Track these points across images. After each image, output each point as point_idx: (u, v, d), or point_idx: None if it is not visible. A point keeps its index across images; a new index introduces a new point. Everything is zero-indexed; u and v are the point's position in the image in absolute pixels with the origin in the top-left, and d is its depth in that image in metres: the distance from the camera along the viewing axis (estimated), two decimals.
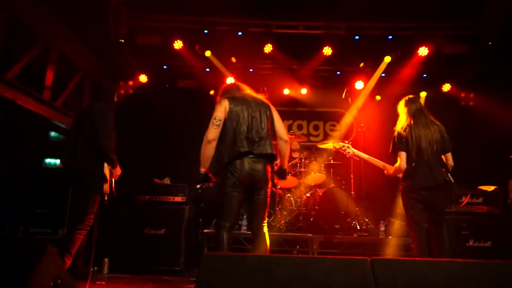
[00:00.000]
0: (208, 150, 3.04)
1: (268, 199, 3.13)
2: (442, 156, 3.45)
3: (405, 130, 3.43)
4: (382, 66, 6.40)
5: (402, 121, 3.52)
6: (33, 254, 1.91)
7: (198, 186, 3.17)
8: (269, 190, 3.12)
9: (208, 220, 5.32)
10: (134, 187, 4.94)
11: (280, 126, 3.24)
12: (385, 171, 3.70)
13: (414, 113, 3.48)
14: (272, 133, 3.19)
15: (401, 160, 3.40)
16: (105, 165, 3.49)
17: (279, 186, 5.46)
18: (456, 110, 6.73)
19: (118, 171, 3.64)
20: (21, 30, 4.56)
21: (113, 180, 3.63)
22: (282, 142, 3.24)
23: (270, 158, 3.12)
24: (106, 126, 3.41)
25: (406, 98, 3.63)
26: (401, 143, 3.42)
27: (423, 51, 5.99)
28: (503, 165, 5.56)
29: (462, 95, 6.91)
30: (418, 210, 3.38)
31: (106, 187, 3.51)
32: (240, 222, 5.03)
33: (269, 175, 3.12)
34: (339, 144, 4.10)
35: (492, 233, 4.50)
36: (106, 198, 3.56)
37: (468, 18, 5.80)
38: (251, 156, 3.00)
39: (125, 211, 4.77)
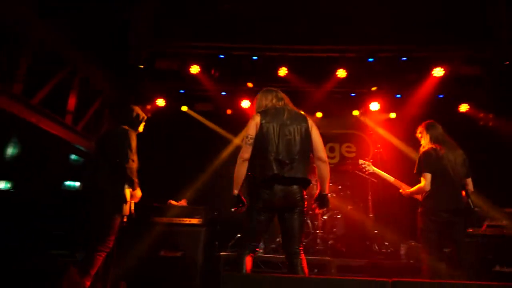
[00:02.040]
0: (241, 170, 2.86)
1: (303, 221, 2.89)
2: (465, 181, 3.45)
3: (432, 150, 3.44)
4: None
5: (427, 143, 3.54)
6: (55, 275, 1.96)
7: (232, 209, 2.95)
8: (303, 211, 2.87)
9: (224, 243, 5.32)
10: (151, 209, 4.99)
11: (319, 145, 2.94)
12: (401, 191, 3.69)
13: (438, 137, 3.52)
14: (308, 153, 2.92)
15: (426, 180, 3.41)
16: (126, 186, 3.57)
17: None
18: (474, 131, 6.64)
19: (138, 193, 3.70)
20: (47, 56, 4.78)
21: (132, 202, 3.69)
22: (321, 163, 2.92)
23: (302, 183, 2.86)
24: (128, 148, 3.50)
25: (426, 122, 3.67)
26: (427, 164, 3.43)
27: (438, 72, 6.01)
28: None
29: (481, 115, 6.83)
30: (436, 235, 3.36)
31: (126, 208, 3.57)
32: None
33: (303, 198, 2.87)
34: (360, 161, 4.11)
35: None
36: (125, 219, 3.61)
37: (484, 40, 5.82)
38: (282, 180, 2.78)
39: (142, 233, 4.81)
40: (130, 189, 3.61)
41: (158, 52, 6.27)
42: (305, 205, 2.91)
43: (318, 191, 3.00)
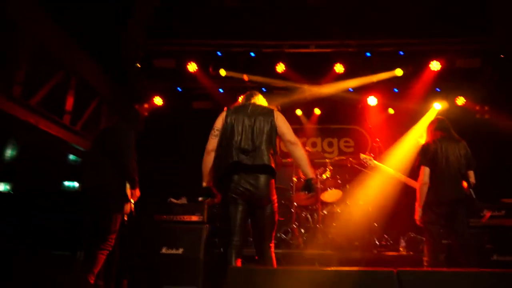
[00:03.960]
0: (207, 161, 2.97)
1: (275, 217, 2.88)
2: (467, 173, 3.49)
3: (433, 144, 3.49)
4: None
5: (429, 136, 3.59)
6: (60, 273, 1.97)
7: (200, 199, 3.10)
8: (274, 206, 2.88)
9: (224, 240, 5.32)
10: (151, 206, 4.99)
11: (285, 129, 2.96)
12: (413, 185, 3.75)
13: (442, 129, 3.57)
14: (272, 143, 2.92)
15: (424, 174, 3.46)
16: (127, 185, 3.57)
17: (295, 204, 5.46)
18: (471, 124, 6.68)
19: (137, 192, 3.70)
20: (44, 57, 4.77)
21: (132, 200, 3.69)
22: (291, 146, 2.94)
23: (267, 171, 2.85)
24: (129, 147, 3.51)
25: (435, 118, 3.74)
26: (425, 157, 3.48)
27: (435, 65, 6.04)
28: None
29: (477, 108, 6.88)
30: (438, 227, 3.41)
31: (127, 207, 3.58)
32: None
33: (271, 190, 2.87)
34: (361, 156, 4.15)
35: None
36: (126, 218, 3.62)
37: (480, 33, 5.85)
38: (245, 168, 2.82)
39: (143, 231, 4.83)
40: (130, 188, 3.61)
41: (155, 51, 6.27)
42: (274, 199, 2.89)
43: (303, 177, 3.03)
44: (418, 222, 3.55)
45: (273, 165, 2.88)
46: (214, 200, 3.05)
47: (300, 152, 2.95)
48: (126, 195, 3.53)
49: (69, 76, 5.35)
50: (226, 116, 3.02)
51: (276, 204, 2.93)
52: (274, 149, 2.93)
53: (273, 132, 2.94)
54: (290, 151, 2.99)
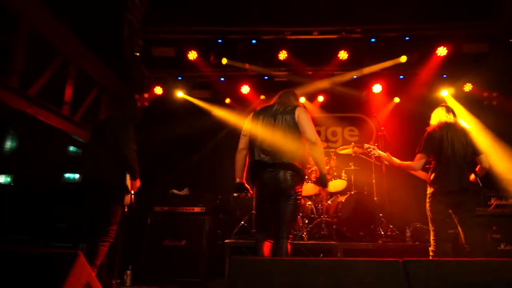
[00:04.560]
0: (238, 159, 3.27)
1: (293, 210, 3.01)
2: (478, 158, 3.47)
3: (439, 130, 3.47)
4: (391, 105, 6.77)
5: (435, 123, 3.58)
6: (66, 262, 1.98)
7: (234, 194, 3.35)
8: (295, 200, 3.01)
9: (228, 231, 5.36)
10: (153, 198, 5.02)
11: (306, 128, 3.07)
12: (392, 160, 3.78)
13: (448, 116, 3.55)
14: (296, 139, 3.07)
15: (418, 161, 3.49)
16: (127, 176, 3.58)
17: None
18: (479, 110, 6.63)
19: (137, 183, 3.71)
20: (41, 47, 4.74)
21: (132, 191, 3.70)
22: (310, 145, 3.06)
23: (289, 167, 3.00)
24: (129, 137, 3.50)
25: (441, 105, 3.72)
26: (427, 144, 3.47)
27: (441, 51, 5.97)
28: None
29: (485, 94, 6.81)
30: (443, 216, 3.42)
31: (127, 198, 3.59)
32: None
33: (292, 184, 3.00)
34: (365, 146, 4.13)
35: None
36: (126, 209, 3.64)
37: (488, 16, 5.76)
38: (266, 166, 3.03)
39: (145, 223, 4.85)
40: (130, 179, 3.61)
41: (154, 39, 6.22)
42: (295, 193, 3.02)
43: (317, 172, 3.31)
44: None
45: (296, 162, 3.02)
46: (248, 194, 3.30)
47: (318, 154, 3.08)
48: (126, 186, 3.53)
49: (67, 66, 5.33)
50: (252, 118, 3.28)
51: (297, 198, 3.04)
52: (299, 145, 3.06)
53: (295, 129, 3.08)
54: (309, 149, 3.10)
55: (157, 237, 4.77)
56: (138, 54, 6.22)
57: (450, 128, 3.49)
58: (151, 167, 6.05)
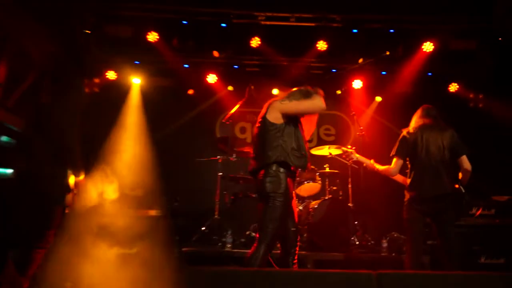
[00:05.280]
0: None
1: (265, 212, 3.13)
2: (459, 160, 3.55)
3: (413, 132, 3.54)
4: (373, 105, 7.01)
5: (413, 124, 3.66)
6: None
7: None
8: (269, 201, 3.12)
9: (186, 237, 5.31)
10: (99, 199, 4.90)
11: (285, 109, 3.29)
12: (375, 165, 3.85)
13: (426, 117, 3.62)
14: (269, 139, 3.21)
15: (395, 165, 3.56)
16: (69, 173, 3.46)
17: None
18: (464, 113, 6.89)
19: (83, 180, 3.61)
20: None
21: (75, 190, 3.59)
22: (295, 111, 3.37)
23: (264, 168, 3.19)
24: (72, 127, 3.39)
25: (424, 105, 3.80)
26: (402, 147, 3.55)
27: (428, 46, 6.15)
28: None
29: (471, 96, 7.08)
30: (420, 225, 3.50)
31: (69, 198, 3.48)
32: (224, 239, 5.04)
33: (264, 185, 3.14)
34: (342, 149, 4.19)
35: (506, 248, 4.61)
36: (67, 211, 3.51)
37: (478, 11, 5.97)
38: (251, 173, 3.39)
39: (89, 228, 4.72)
40: (73, 176, 3.50)
41: (109, 16, 6.04)
42: (270, 195, 3.10)
43: None
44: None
45: (269, 161, 3.14)
46: None
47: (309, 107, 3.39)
48: (68, 185, 3.41)
49: (4, 41, 5.08)
50: None
51: (273, 199, 3.10)
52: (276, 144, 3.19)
53: (267, 129, 3.22)
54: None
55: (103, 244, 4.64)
56: (89, 32, 6.03)
57: (426, 130, 3.56)
58: (98, 161, 5.90)
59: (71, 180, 3.48)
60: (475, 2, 5.83)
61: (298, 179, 5.66)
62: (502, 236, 4.67)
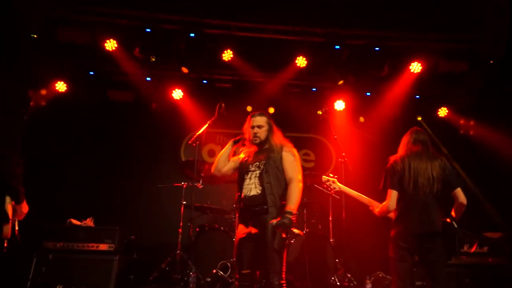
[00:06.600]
0: None
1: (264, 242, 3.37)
2: (453, 193, 3.60)
3: (401, 161, 3.60)
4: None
5: (402, 150, 3.71)
6: None
7: None
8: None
9: (143, 276, 5.20)
10: (43, 229, 4.83)
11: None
12: (375, 209, 3.84)
13: (415, 144, 3.69)
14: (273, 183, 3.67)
15: (390, 199, 3.55)
16: (7, 199, 3.39)
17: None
18: (454, 140, 7.09)
19: (24, 208, 3.58)
20: None
21: (16, 220, 3.54)
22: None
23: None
24: (11, 146, 3.34)
25: (413, 128, 3.86)
26: (393, 178, 3.58)
27: (415, 67, 6.36)
28: (510, 207, 5.90)
29: (461, 122, 7.31)
30: (406, 264, 3.50)
31: (6, 229, 3.42)
32: (186, 279, 4.97)
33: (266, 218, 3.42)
34: (324, 178, 4.23)
35: None
36: (5, 244, 3.46)
37: (468, 31, 6.24)
38: None
39: (30, 263, 4.61)
40: (13, 203, 3.45)
41: (61, 19, 6.00)
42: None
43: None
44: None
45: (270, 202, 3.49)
46: None
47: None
48: (6, 213, 3.33)
49: None
50: None
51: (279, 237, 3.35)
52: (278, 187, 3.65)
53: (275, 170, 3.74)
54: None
55: (47, 283, 4.54)
56: (36, 36, 5.96)
57: (415, 159, 3.61)
58: (43, 187, 5.76)
59: (10, 208, 3.41)
60: (467, 21, 6.09)
61: None
62: (496, 276, 4.77)
